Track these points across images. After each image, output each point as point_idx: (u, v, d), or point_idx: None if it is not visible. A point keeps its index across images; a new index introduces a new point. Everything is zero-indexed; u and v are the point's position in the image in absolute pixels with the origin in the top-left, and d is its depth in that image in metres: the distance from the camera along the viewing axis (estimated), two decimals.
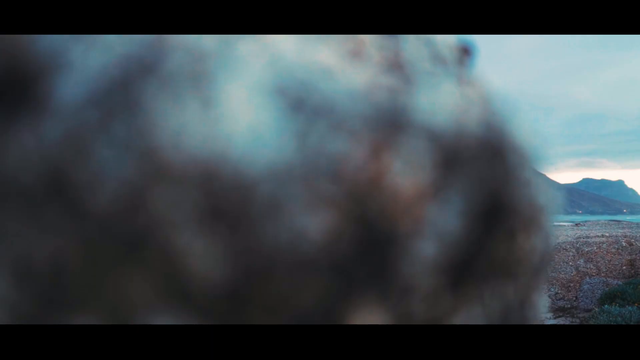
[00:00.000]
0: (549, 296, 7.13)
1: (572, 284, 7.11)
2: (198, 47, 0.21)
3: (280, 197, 0.19)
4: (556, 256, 7.50)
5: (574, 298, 7.01)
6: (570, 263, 7.27)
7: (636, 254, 7.01)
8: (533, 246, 0.29)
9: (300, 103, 0.19)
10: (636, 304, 5.81)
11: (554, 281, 7.20)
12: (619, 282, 6.67)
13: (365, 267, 0.22)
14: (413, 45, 0.38)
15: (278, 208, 0.19)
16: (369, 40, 0.35)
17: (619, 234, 7.69)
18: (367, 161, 0.19)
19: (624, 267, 6.97)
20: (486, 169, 0.23)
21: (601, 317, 5.40)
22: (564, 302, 7.03)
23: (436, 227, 0.22)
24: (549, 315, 6.54)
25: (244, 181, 0.18)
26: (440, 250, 0.22)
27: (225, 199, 0.19)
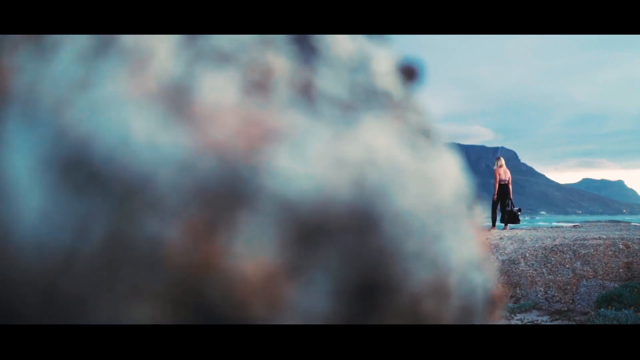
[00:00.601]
0: (546, 299, 7.11)
1: (568, 287, 7.09)
2: None
3: (85, 291, 0.15)
4: (553, 258, 7.47)
5: (571, 301, 6.99)
6: (567, 265, 7.25)
7: (633, 257, 6.98)
8: (447, 307, 0.25)
9: (105, 179, 0.16)
10: (632, 307, 5.78)
11: (551, 284, 7.17)
12: (616, 285, 6.65)
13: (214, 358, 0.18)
14: (333, 73, 0.35)
15: (84, 303, 0.15)
16: (279, 69, 0.31)
17: (616, 236, 7.66)
18: (196, 243, 0.16)
19: (621, 270, 6.94)
20: (359, 243, 0.19)
21: (597, 321, 5.37)
22: (561, 305, 7.00)
23: (300, 311, 0.18)
24: (546, 318, 6.51)
25: (32, 275, 0.15)
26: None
27: (10, 297, 0.15)
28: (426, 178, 0.28)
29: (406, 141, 0.31)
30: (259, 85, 0.29)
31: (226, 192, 0.17)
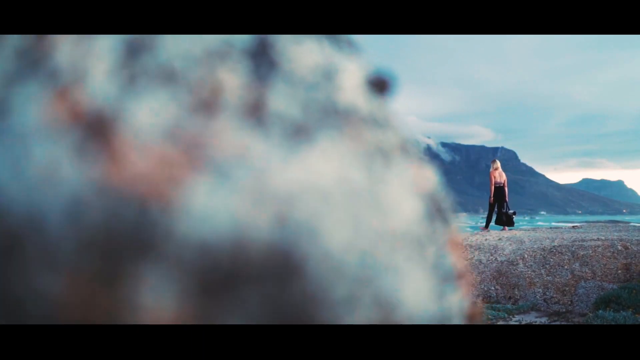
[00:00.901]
0: (544, 300, 7.09)
1: (567, 288, 7.07)
2: None
3: None
4: (551, 259, 7.46)
5: (569, 302, 6.97)
6: (566, 267, 7.23)
7: (632, 258, 6.97)
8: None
9: None
10: (631, 309, 5.77)
11: (549, 285, 7.16)
12: (614, 286, 6.63)
13: None
14: (289, 91, 0.33)
15: None
16: (229, 88, 0.30)
17: (615, 237, 7.65)
18: (93, 297, 0.15)
19: (620, 271, 6.93)
20: (279, 289, 0.17)
21: (595, 322, 5.36)
22: (559, 306, 6.99)
23: None
24: (544, 319, 6.50)
25: None
26: None
27: None
28: (379, 203, 0.26)
29: (361, 163, 0.29)
30: (203, 106, 0.28)
31: (130, 237, 0.16)
